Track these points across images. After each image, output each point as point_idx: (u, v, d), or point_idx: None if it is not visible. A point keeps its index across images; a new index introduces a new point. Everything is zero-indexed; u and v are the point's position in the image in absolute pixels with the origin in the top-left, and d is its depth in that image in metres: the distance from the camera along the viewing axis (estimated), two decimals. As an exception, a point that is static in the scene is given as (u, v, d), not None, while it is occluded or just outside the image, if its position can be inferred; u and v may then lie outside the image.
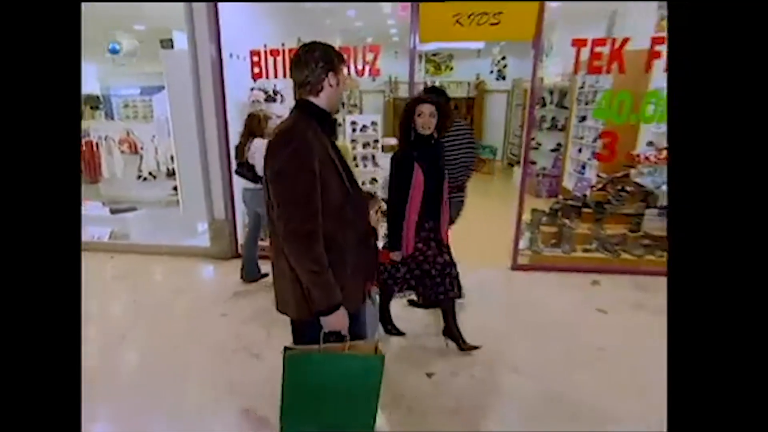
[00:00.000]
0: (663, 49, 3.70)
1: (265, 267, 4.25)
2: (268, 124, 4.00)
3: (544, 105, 8.07)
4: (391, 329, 3.34)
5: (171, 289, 4.27)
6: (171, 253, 5.07)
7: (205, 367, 3.02)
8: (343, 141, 6.06)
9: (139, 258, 5.08)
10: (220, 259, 4.89)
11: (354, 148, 6.15)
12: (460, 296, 3.04)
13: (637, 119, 4.13)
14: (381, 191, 5.56)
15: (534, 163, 8.52)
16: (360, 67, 4.37)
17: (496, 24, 3.72)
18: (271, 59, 4.39)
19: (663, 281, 4.24)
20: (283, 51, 4.39)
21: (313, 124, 1.74)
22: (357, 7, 6.89)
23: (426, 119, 2.71)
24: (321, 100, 1.78)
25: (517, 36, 3.84)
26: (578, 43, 3.78)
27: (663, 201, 4.75)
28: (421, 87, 12.25)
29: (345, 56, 1.92)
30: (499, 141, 11.61)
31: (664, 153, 4.63)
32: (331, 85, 1.76)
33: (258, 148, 3.81)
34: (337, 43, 8.65)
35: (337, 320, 1.72)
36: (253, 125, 3.94)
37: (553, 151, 7.85)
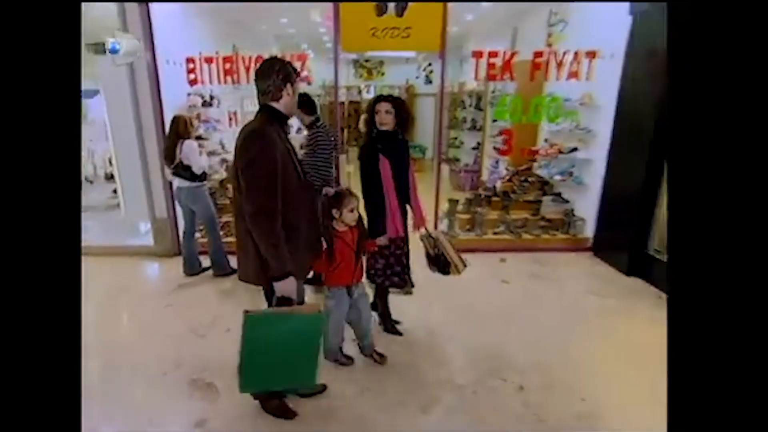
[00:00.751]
0: (543, 60, 4.36)
1: (206, 261, 4.50)
2: (195, 127, 4.18)
3: (464, 107, 8.72)
4: (390, 328, 3.35)
5: (117, 287, 4.36)
6: (115, 254, 5.11)
7: (154, 349, 3.23)
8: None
9: (84, 260, 5.10)
10: (163, 257, 4.99)
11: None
12: (448, 272, 3.14)
13: (528, 120, 4.74)
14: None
15: (458, 160, 9.19)
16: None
17: (407, 37, 4.19)
18: (206, 66, 4.56)
19: (556, 256, 4.99)
20: (218, 58, 4.59)
21: (274, 125, 2.09)
22: (289, 15, 7.14)
23: (382, 116, 2.88)
24: (280, 105, 2.11)
25: (425, 48, 4.34)
26: (476, 55, 4.35)
27: (557, 189, 5.44)
28: (356, 92, 12.73)
29: (298, 71, 2.21)
30: (428, 140, 12.25)
31: (555, 148, 5.30)
32: (288, 94, 2.11)
33: (191, 149, 4.00)
34: (273, 50, 8.87)
35: (287, 286, 2.03)
36: (180, 128, 4.06)
37: (474, 149, 8.51)
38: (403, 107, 2.97)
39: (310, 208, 2.25)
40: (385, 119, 2.87)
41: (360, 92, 13.06)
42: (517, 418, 2.50)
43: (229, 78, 4.63)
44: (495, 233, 5.20)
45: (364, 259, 2.82)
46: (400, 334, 3.33)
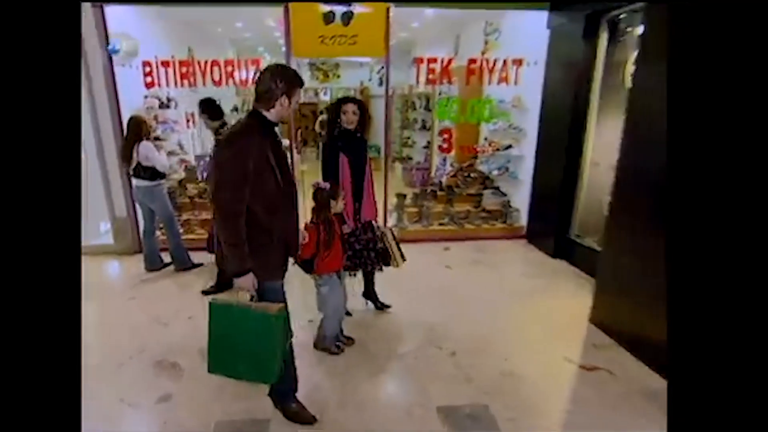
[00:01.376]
0: (476, 66, 4.78)
1: (167, 257, 4.64)
2: (152, 127, 4.27)
3: (414, 108, 9.10)
4: (381, 305, 3.68)
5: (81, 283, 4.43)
6: (75, 253, 5.13)
7: (120, 337, 3.38)
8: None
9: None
10: (124, 255, 5.05)
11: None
12: (381, 269, 3.42)
13: (466, 120, 5.15)
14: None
15: (411, 158, 9.57)
16: (244, 77, 4.88)
17: (354, 44, 4.49)
18: (162, 69, 4.65)
19: (494, 243, 5.43)
20: (174, 62, 4.71)
21: (257, 130, 2.05)
22: (244, 19, 7.26)
23: (350, 116, 3.00)
24: (270, 114, 2.08)
25: (371, 54, 4.66)
26: (417, 61, 4.71)
27: (496, 183, 5.88)
28: (313, 93, 12.91)
29: (303, 82, 2.15)
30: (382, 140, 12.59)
31: (493, 145, 5.74)
32: (282, 105, 2.06)
33: (149, 149, 4.09)
34: (229, 53, 8.94)
35: (245, 282, 2.06)
36: (137, 129, 4.13)
37: (424, 147, 8.91)
38: (365, 108, 3.15)
39: (289, 212, 2.23)
40: (352, 119, 3.03)
41: (316, 94, 13.28)
42: (449, 378, 2.85)
43: (185, 81, 4.76)
44: (440, 224, 5.59)
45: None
46: (388, 306, 3.68)
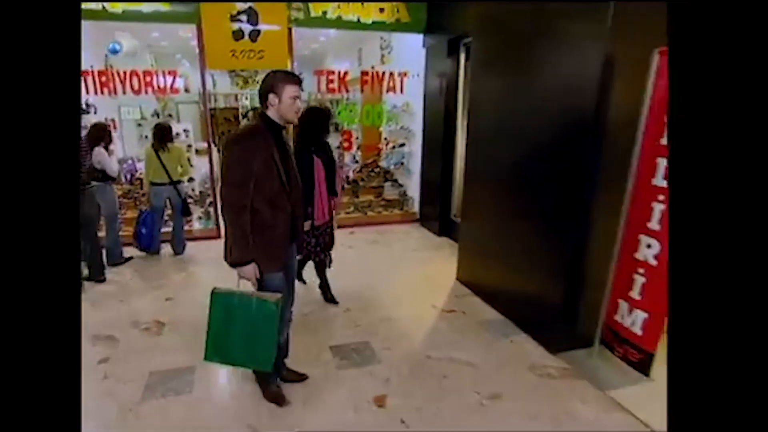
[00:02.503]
0: (368, 77, 5.52)
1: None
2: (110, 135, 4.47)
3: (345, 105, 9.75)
4: (329, 294, 3.88)
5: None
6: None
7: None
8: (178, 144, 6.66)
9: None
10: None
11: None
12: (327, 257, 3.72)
13: (361, 122, 5.87)
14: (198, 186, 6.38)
15: (327, 158, 10.17)
16: (163, 85, 5.22)
17: (261, 58, 5.05)
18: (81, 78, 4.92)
19: (393, 227, 6.22)
20: (92, 72, 4.96)
21: (262, 131, 2.12)
22: (160, 30, 7.45)
23: (331, 129, 3.42)
24: (271, 113, 2.14)
25: (277, 66, 5.22)
26: (318, 73, 5.37)
27: (394, 176, 6.68)
28: (234, 98, 13.07)
29: (297, 79, 2.17)
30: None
31: (390, 144, 6.53)
32: (272, 104, 2.12)
33: (101, 155, 4.28)
34: (148, 61, 8.98)
35: (248, 271, 2.15)
36: (99, 135, 4.32)
37: (337, 147, 9.57)
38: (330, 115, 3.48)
39: (290, 210, 2.28)
40: (331, 131, 3.44)
41: (237, 99, 13.48)
42: (342, 326, 3.52)
43: (105, 89, 5.02)
44: (347, 213, 6.28)
45: None
46: (336, 302, 3.85)
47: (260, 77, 9.99)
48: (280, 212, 2.23)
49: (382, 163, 6.77)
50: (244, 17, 4.98)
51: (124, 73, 5.03)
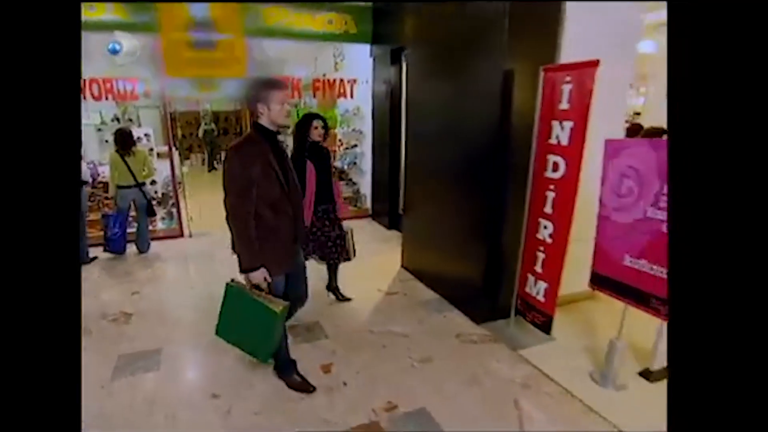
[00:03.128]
0: (320, 84, 5.87)
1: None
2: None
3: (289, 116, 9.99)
4: (341, 297, 3.94)
5: None
6: None
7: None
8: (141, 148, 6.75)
9: None
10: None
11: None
12: (349, 259, 3.74)
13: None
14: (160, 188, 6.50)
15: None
16: (123, 91, 5.37)
17: (219, 65, 5.30)
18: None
19: (347, 223, 6.47)
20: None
21: (258, 139, 2.17)
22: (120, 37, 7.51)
23: (319, 130, 3.25)
24: (263, 121, 2.18)
25: (233, 75, 5.49)
26: (273, 80, 5.67)
27: (349, 175, 7.04)
28: (195, 102, 13.05)
29: (282, 85, 2.23)
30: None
31: (344, 145, 6.88)
32: (261, 113, 2.16)
33: None
34: (104, 69, 8.94)
35: (257, 276, 2.21)
36: None
37: (298, 149, 9.85)
38: (327, 123, 3.40)
39: (291, 213, 2.36)
40: (320, 133, 3.29)
41: (198, 103, 13.49)
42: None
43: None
44: (305, 211, 6.59)
45: None
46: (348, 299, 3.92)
47: (219, 83, 10.12)
48: (283, 216, 2.29)
49: (337, 164, 7.11)
50: (200, 27, 5.22)
51: (84, 81, 5.16)
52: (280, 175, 2.22)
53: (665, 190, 2.26)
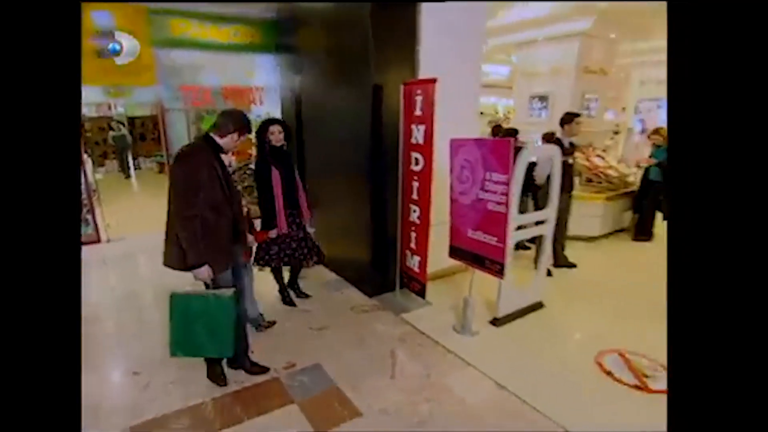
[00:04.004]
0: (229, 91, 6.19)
1: None
2: None
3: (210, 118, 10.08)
4: (287, 297, 3.91)
5: None
6: None
7: None
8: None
9: None
10: None
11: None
12: (320, 261, 3.85)
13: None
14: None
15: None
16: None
17: (129, 74, 5.43)
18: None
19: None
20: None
21: (208, 151, 2.36)
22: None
23: (276, 135, 3.28)
24: (222, 141, 2.40)
25: (143, 83, 5.64)
26: (183, 89, 5.90)
27: (265, 176, 7.38)
28: (107, 107, 12.58)
29: (249, 130, 2.53)
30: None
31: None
32: (232, 139, 2.43)
33: None
34: None
35: (202, 273, 2.35)
36: None
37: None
38: (287, 126, 3.43)
39: (232, 217, 2.52)
40: (279, 138, 3.31)
41: (110, 108, 13.02)
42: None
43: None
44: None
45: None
46: (294, 305, 3.90)
47: (132, 88, 9.94)
48: (224, 217, 2.44)
49: (253, 166, 7.41)
50: (105, 36, 5.32)
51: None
52: (222, 180, 2.41)
53: (488, 177, 2.94)
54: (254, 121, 7.07)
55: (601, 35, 6.06)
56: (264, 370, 2.95)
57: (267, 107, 6.62)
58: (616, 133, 8.40)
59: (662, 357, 3.10)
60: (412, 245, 3.68)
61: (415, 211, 3.56)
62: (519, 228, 3.43)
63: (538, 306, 3.80)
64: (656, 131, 5.70)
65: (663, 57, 7.22)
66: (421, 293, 3.70)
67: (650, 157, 5.60)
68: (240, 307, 2.70)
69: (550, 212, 3.60)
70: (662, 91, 9.24)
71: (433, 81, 3.08)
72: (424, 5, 3.53)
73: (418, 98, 3.23)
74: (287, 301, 3.90)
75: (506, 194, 2.81)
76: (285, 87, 6.19)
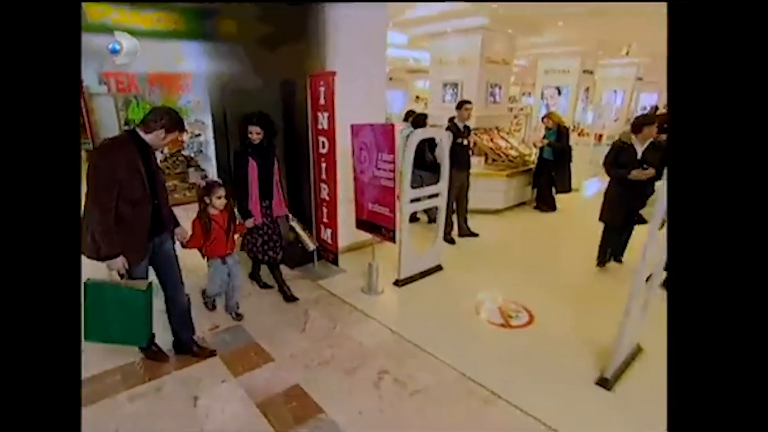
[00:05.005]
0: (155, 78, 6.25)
1: None
2: None
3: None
4: (262, 285, 4.05)
5: None
6: None
7: None
8: None
9: None
10: None
11: None
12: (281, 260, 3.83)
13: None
14: None
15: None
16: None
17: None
18: None
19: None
20: None
21: (130, 145, 2.33)
22: None
23: (254, 136, 3.28)
24: (147, 137, 2.37)
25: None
26: (106, 75, 5.92)
27: (198, 162, 7.52)
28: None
29: (183, 129, 2.49)
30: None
31: (190, 134, 7.33)
32: (158, 137, 2.38)
33: None
34: None
35: (116, 263, 2.35)
36: None
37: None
38: (270, 122, 3.37)
39: (150, 212, 2.50)
40: (256, 138, 3.32)
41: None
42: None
43: None
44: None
45: (236, 235, 3.35)
46: (271, 287, 3.99)
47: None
48: (142, 213, 2.44)
49: (185, 152, 7.52)
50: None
51: None
52: (144, 178, 2.38)
53: (380, 158, 3.42)
54: (183, 108, 7.20)
55: (500, 30, 6.70)
56: (212, 353, 3.04)
57: (195, 94, 6.74)
58: (516, 117, 9.25)
59: (527, 302, 3.79)
60: (325, 219, 4.12)
61: (324, 189, 4.00)
62: (415, 200, 3.97)
63: (437, 269, 4.39)
64: (548, 115, 6.46)
65: (560, 49, 8.06)
66: (335, 262, 4.17)
67: (543, 138, 6.35)
68: (179, 298, 2.87)
69: (442, 186, 4.15)
70: (563, 80, 10.26)
71: (333, 73, 3.50)
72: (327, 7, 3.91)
73: (322, 89, 3.64)
74: (288, 297, 3.88)
75: (393, 171, 3.31)
76: (212, 74, 6.35)
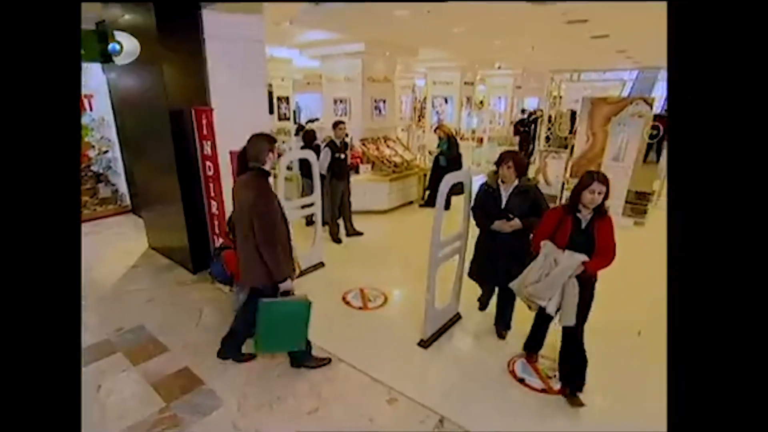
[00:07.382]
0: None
1: None
2: None
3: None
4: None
5: None
6: None
7: None
8: None
9: None
10: None
11: None
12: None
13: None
14: None
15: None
16: None
17: None
18: None
19: (109, 219, 7.30)
20: None
21: (266, 179, 2.73)
22: None
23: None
24: (266, 166, 2.74)
25: None
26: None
27: (108, 177, 7.69)
28: None
29: (275, 146, 2.81)
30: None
31: (98, 151, 7.50)
32: (269, 158, 2.74)
33: None
34: None
35: (287, 284, 2.80)
36: None
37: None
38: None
39: (287, 234, 2.92)
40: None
41: None
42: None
43: None
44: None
45: None
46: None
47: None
48: (284, 236, 2.85)
49: (94, 168, 7.67)
50: None
51: None
52: (280, 205, 2.85)
53: (254, 178, 4.10)
54: (88, 126, 7.33)
55: (377, 53, 7.59)
56: (327, 361, 3.42)
57: (102, 112, 6.96)
58: (404, 129, 10.56)
59: (384, 286, 4.68)
60: (216, 230, 4.74)
61: (214, 204, 4.61)
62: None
63: (320, 265, 5.16)
64: (439, 127, 7.44)
65: (443, 64, 9.18)
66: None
67: (437, 147, 7.34)
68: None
69: (315, 197, 4.92)
70: (448, 90, 11.58)
71: (211, 110, 4.13)
72: (207, 41, 4.44)
73: (204, 121, 4.24)
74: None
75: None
76: (115, 94, 6.62)
